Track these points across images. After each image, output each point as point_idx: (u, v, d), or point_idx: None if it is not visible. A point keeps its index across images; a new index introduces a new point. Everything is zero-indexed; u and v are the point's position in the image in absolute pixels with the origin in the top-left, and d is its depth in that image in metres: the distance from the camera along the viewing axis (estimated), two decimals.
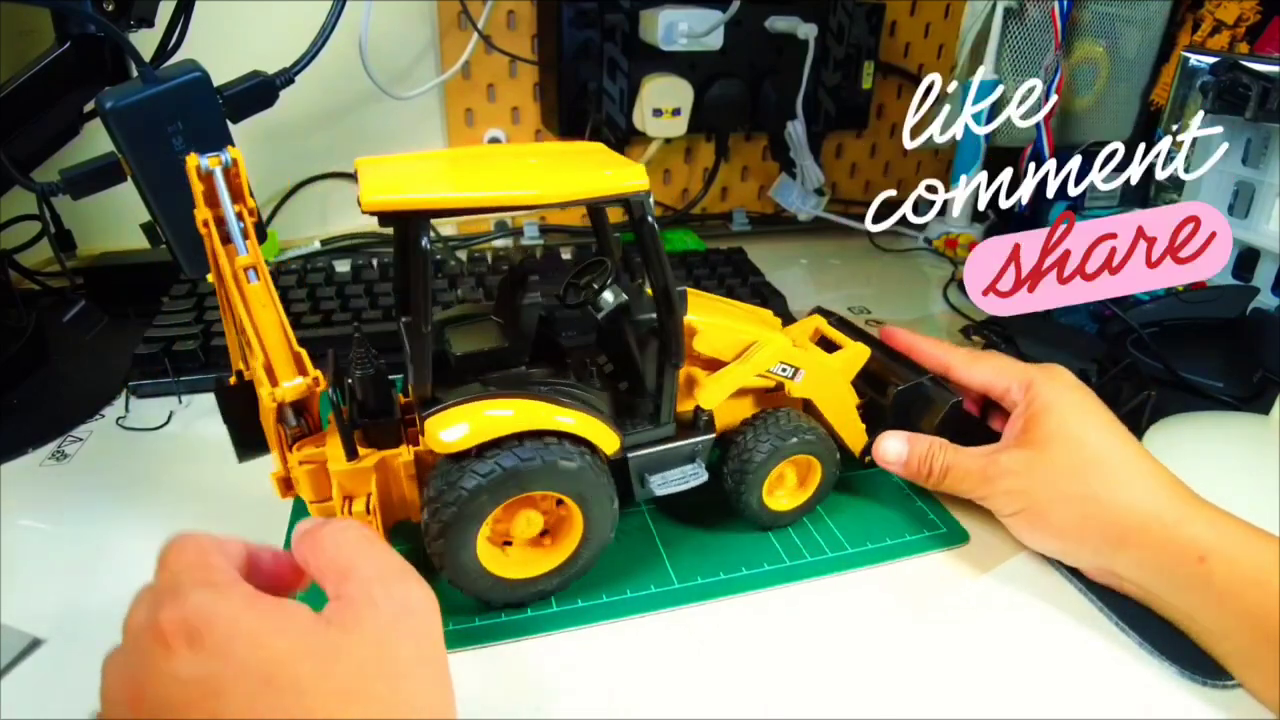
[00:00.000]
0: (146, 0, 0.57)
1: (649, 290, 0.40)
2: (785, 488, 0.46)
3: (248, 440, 0.41)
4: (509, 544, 0.40)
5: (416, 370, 0.37)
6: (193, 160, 0.35)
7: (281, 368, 0.37)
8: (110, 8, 0.54)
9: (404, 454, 0.39)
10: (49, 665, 0.37)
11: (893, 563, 0.44)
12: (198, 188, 0.36)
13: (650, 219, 0.37)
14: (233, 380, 0.41)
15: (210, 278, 0.38)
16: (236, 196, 0.36)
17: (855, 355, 0.47)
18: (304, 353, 0.38)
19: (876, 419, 0.48)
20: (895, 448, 0.46)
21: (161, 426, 0.55)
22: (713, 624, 0.40)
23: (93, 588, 0.41)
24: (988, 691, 0.37)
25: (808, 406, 0.46)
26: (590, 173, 0.37)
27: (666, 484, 0.42)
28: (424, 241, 0.33)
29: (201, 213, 0.36)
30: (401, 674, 0.26)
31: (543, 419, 0.37)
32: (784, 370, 0.44)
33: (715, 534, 0.45)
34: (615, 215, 0.43)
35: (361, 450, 0.38)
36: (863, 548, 0.45)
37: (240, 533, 0.42)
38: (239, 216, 0.36)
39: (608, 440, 0.39)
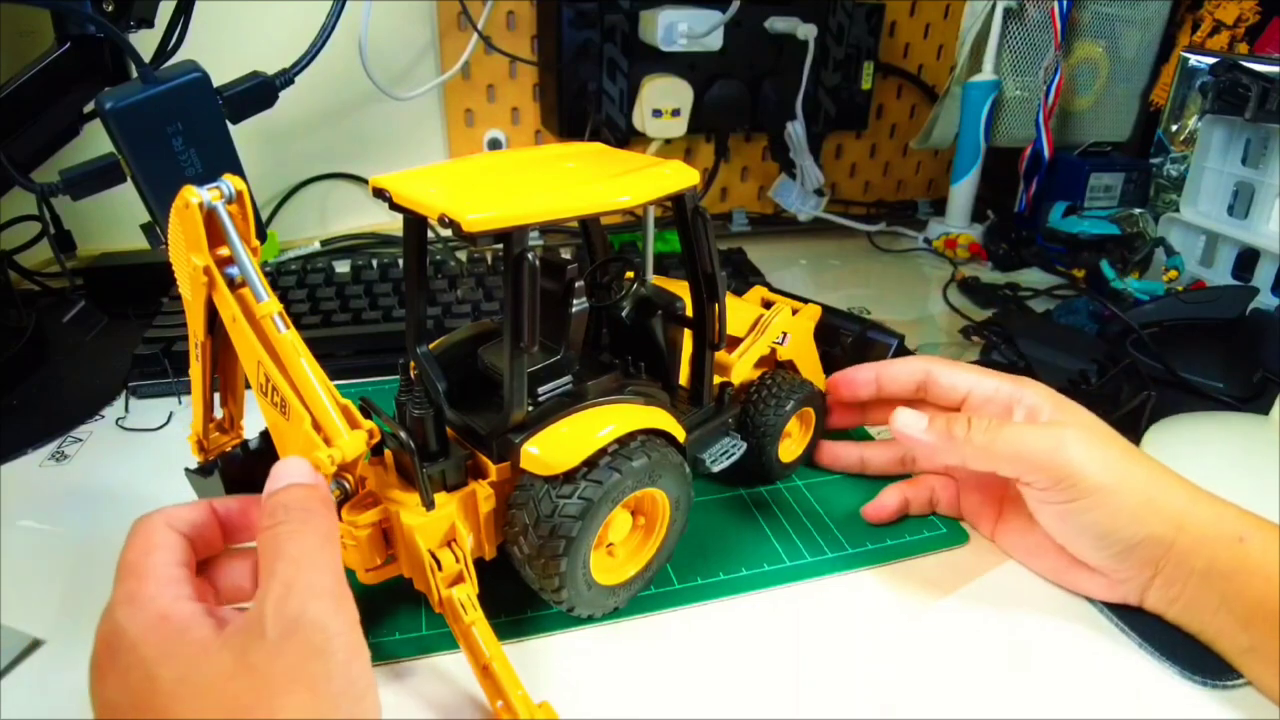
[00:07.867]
0: (146, 0, 0.57)
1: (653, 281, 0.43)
2: (790, 439, 0.49)
3: None
4: (610, 547, 0.39)
5: (517, 395, 0.35)
6: (188, 194, 0.29)
7: (331, 425, 0.31)
8: (110, 8, 0.54)
9: (483, 488, 0.36)
10: (49, 665, 0.37)
11: (893, 563, 0.44)
12: (194, 226, 0.30)
13: (702, 208, 0.38)
14: (217, 446, 0.36)
15: (198, 338, 0.33)
16: (243, 232, 0.31)
17: (812, 313, 0.52)
18: (350, 404, 0.32)
19: (831, 366, 0.53)
20: (912, 417, 0.43)
21: (161, 427, 0.54)
22: (712, 624, 0.40)
23: (93, 588, 0.41)
24: (988, 692, 0.37)
25: (787, 364, 0.50)
26: (654, 173, 0.37)
27: (717, 459, 0.43)
28: (531, 256, 0.32)
29: (201, 258, 0.30)
30: (276, 708, 0.25)
31: (638, 421, 0.37)
32: (781, 338, 0.48)
33: (715, 534, 0.45)
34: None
35: (438, 497, 0.35)
36: (863, 548, 0.45)
37: None
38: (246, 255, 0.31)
39: (679, 430, 0.39)
